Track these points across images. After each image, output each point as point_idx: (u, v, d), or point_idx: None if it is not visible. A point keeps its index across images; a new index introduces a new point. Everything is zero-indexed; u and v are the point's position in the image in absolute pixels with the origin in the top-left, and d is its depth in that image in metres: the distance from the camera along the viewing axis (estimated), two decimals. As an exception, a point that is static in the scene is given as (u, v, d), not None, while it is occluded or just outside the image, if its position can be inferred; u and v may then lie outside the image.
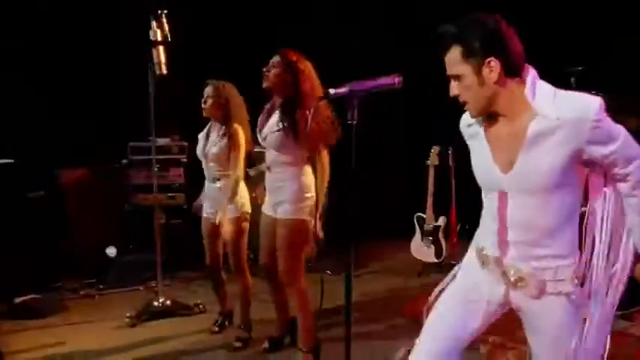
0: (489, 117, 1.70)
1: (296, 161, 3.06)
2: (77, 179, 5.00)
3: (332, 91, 1.35)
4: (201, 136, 3.69)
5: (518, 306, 1.80)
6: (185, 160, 5.06)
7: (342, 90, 1.36)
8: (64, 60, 5.00)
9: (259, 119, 3.20)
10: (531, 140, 1.59)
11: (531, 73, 1.65)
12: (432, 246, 5.02)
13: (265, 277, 3.39)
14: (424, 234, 5.07)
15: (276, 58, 3.05)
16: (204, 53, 5.19)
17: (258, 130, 3.18)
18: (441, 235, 5.01)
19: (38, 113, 4.87)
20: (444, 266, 4.96)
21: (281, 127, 2.98)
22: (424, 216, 5.06)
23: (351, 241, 1.66)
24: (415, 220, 5.13)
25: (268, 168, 3.11)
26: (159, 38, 3.16)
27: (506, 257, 1.74)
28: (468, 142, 1.85)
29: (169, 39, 3.18)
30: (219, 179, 3.56)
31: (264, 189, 3.30)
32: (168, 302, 4.17)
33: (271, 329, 3.59)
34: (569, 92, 1.61)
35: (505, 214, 1.69)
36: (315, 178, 3.06)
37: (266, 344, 3.46)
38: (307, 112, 2.89)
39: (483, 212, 1.85)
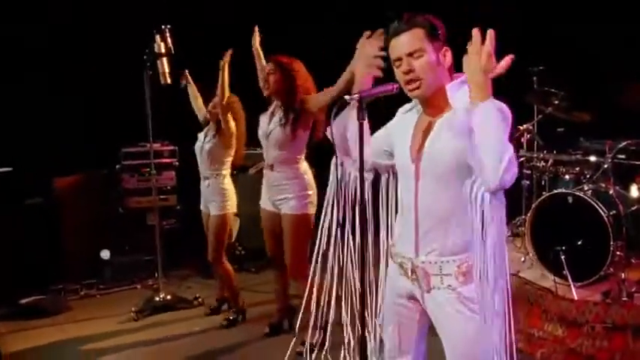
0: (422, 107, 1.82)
1: (298, 159, 3.37)
2: (72, 185, 5.18)
3: (347, 97, 1.68)
4: (200, 135, 4.01)
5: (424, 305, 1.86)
6: (176, 163, 5.30)
7: (354, 96, 1.69)
8: (59, 69, 5.15)
9: (261, 120, 3.49)
10: (436, 130, 1.74)
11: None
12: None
13: (271, 265, 3.76)
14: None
15: (270, 65, 3.36)
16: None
17: (261, 129, 3.46)
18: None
19: (34, 122, 5.01)
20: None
21: (282, 123, 3.28)
22: None
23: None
24: None
25: (271, 166, 3.40)
26: (162, 51, 3.44)
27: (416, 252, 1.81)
28: (394, 126, 1.96)
29: (173, 51, 3.47)
30: (208, 177, 3.93)
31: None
32: (168, 297, 4.42)
33: (264, 313, 3.96)
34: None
35: (416, 204, 1.79)
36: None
37: (266, 329, 3.76)
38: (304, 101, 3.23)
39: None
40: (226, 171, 3.95)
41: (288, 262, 3.42)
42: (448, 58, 1.79)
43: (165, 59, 3.44)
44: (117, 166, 5.23)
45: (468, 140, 1.60)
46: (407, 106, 1.95)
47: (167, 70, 3.48)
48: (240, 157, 4.01)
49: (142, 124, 4.23)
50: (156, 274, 4.56)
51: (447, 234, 1.76)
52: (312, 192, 3.39)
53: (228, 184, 3.93)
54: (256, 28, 3.61)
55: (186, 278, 5.15)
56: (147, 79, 3.79)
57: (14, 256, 4.56)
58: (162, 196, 5.19)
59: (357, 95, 1.69)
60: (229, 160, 3.94)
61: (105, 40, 5.15)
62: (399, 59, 1.76)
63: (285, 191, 3.36)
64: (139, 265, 5.17)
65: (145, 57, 3.80)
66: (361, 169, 1.76)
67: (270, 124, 3.39)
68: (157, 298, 4.38)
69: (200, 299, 4.48)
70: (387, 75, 1.87)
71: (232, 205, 3.94)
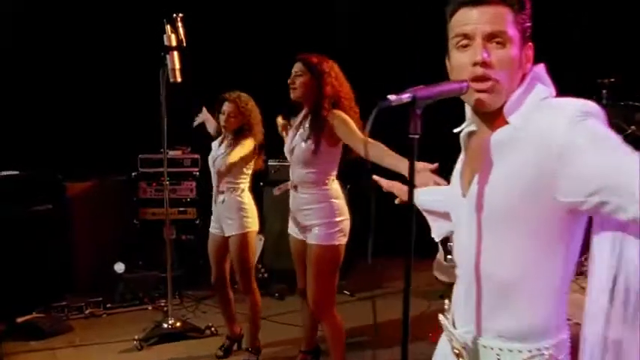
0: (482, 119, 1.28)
1: (324, 179, 2.83)
2: (85, 192, 4.81)
3: (392, 97, 1.10)
4: (214, 144, 3.55)
5: None
6: (197, 173, 4.87)
7: (405, 96, 1.12)
8: (70, 66, 4.81)
9: (289, 134, 2.98)
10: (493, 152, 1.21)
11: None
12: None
13: (301, 306, 3.21)
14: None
15: (298, 66, 2.84)
16: (215, 58, 4.99)
17: (286, 145, 2.96)
18: (465, 254, 4.74)
19: (44, 122, 4.69)
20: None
21: (306, 136, 2.75)
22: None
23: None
24: None
25: (295, 187, 2.88)
26: (173, 43, 2.95)
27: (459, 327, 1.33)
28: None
29: (185, 44, 2.97)
30: (223, 192, 3.40)
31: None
32: (178, 324, 3.95)
33: (282, 353, 3.38)
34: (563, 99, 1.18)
35: (471, 260, 1.27)
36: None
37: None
38: (333, 112, 2.70)
39: None
40: (245, 184, 3.44)
41: (312, 299, 2.88)
42: (531, 55, 1.24)
43: (175, 53, 2.94)
44: (133, 174, 4.83)
45: (556, 163, 1.09)
46: (463, 125, 1.38)
47: (177, 65, 2.97)
48: (259, 163, 3.51)
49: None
50: (166, 295, 4.09)
51: (515, 308, 1.23)
52: (343, 219, 2.84)
53: (247, 198, 3.43)
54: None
55: (203, 299, 4.66)
56: (163, 78, 3.32)
57: (17, 267, 4.16)
58: (180, 209, 4.80)
59: (408, 96, 1.13)
60: (249, 172, 3.43)
61: (120, 35, 4.79)
62: (469, 37, 1.20)
63: (310, 217, 2.82)
64: (152, 282, 4.71)
65: (162, 53, 3.32)
66: (410, 197, 1.20)
67: (295, 138, 2.87)
68: (165, 325, 3.91)
69: (213, 328, 3.98)
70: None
71: (254, 222, 3.42)
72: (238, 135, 3.35)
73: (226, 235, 3.39)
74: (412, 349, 3.77)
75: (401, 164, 2.31)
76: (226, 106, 3.36)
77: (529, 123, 1.17)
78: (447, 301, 1.51)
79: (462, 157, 1.39)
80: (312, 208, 2.81)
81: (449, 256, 4.79)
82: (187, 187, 4.83)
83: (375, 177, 1.91)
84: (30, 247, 4.26)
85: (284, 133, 3.07)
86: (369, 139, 2.46)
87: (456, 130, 1.43)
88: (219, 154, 3.39)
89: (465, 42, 1.21)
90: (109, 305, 4.43)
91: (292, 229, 3.00)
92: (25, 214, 4.32)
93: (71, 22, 4.79)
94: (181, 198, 4.81)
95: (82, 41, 4.81)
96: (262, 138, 3.41)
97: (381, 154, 2.39)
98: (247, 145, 3.29)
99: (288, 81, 2.84)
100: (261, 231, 3.88)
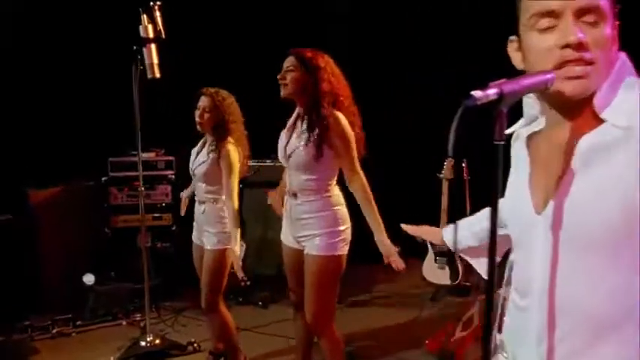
0: (555, 119, 1.07)
1: (326, 185, 2.59)
2: (49, 200, 4.46)
3: (477, 94, 0.85)
4: (194, 150, 3.25)
5: None
6: (173, 176, 4.58)
7: (491, 92, 0.88)
8: (30, 60, 4.45)
9: (282, 136, 2.72)
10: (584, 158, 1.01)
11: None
12: (447, 267, 4.57)
13: (294, 318, 2.93)
14: (438, 254, 4.61)
15: (290, 60, 2.58)
16: (194, 51, 4.68)
17: (281, 148, 2.69)
18: (456, 255, 4.56)
19: (3, 125, 4.33)
20: (460, 289, 4.56)
21: (305, 140, 2.50)
22: None
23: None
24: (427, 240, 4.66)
25: (294, 195, 2.62)
26: (151, 35, 2.63)
27: None
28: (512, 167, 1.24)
29: (163, 36, 2.66)
30: (204, 202, 3.10)
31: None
32: (157, 341, 3.65)
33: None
34: None
35: (546, 291, 1.06)
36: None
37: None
38: (334, 117, 2.47)
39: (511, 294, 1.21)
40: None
41: (310, 312, 2.64)
42: (616, 39, 1.02)
43: (153, 46, 2.63)
44: (103, 179, 4.51)
45: None
46: (516, 125, 1.17)
47: (156, 60, 2.66)
48: (244, 169, 3.22)
49: (135, 130, 3.51)
50: (143, 309, 3.77)
51: (611, 351, 1.00)
52: (345, 227, 2.61)
53: (236, 207, 3.12)
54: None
55: (182, 311, 4.35)
56: (135, 75, 3.00)
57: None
58: (155, 215, 4.51)
59: (495, 92, 0.88)
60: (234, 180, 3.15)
61: (87, 26, 4.45)
62: (555, 15, 0.98)
63: (311, 227, 2.57)
64: (126, 294, 4.39)
65: (135, 47, 3.00)
66: (494, 219, 0.96)
67: (290, 141, 2.60)
68: (143, 343, 3.60)
69: (196, 344, 3.69)
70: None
71: (238, 237, 3.10)
72: (218, 138, 3.05)
73: (205, 247, 3.11)
74: (407, 358, 3.58)
75: (374, 223, 2.50)
76: (201, 101, 3.07)
77: (634, 120, 0.94)
78: (497, 335, 1.28)
79: (523, 164, 1.16)
80: (313, 217, 2.56)
81: (438, 257, 4.62)
82: (162, 192, 4.54)
83: (403, 226, 1.87)
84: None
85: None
86: (362, 178, 2.51)
87: (510, 131, 1.19)
88: (201, 162, 3.09)
89: (548, 21, 0.98)
90: (78, 322, 4.08)
91: (286, 238, 2.74)
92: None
93: (32, 13, 4.44)
94: (156, 203, 4.52)
95: (44, 31, 4.47)
96: (246, 143, 3.14)
97: (362, 201, 2.50)
98: (233, 157, 3.01)
99: (278, 77, 2.58)
100: (241, 237, 3.61)
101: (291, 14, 4.96)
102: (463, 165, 4.64)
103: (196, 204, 3.17)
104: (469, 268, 4.60)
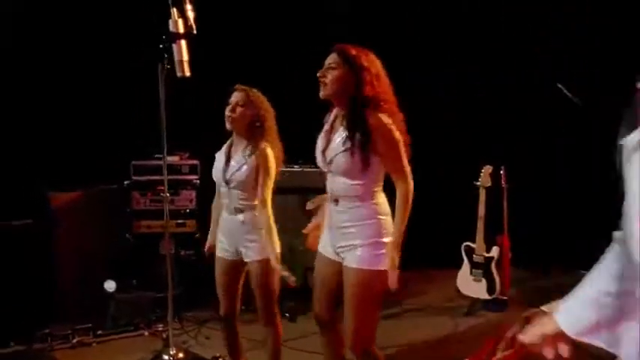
0: None
1: (371, 191, 2.39)
2: (70, 204, 4.31)
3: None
4: (219, 155, 3.00)
5: None
6: (197, 181, 4.39)
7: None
8: (52, 60, 4.30)
9: (320, 138, 2.52)
10: None
11: None
12: (483, 280, 4.36)
13: (321, 334, 2.72)
14: (473, 266, 4.41)
15: (332, 57, 2.38)
16: (221, 50, 4.52)
17: (319, 152, 2.49)
18: (493, 267, 4.34)
19: (23, 124, 4.19)
20: (496, 303, 4.33)
21: (348, 145, 2.30)
22: (473, 245, 4.42)
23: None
24: (463, 250, 4.47)
25: (336, 201, 2.41)
26: (181, 30, 2.45)
27: None
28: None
29: (195, 31, 2.47)
30: (242, 211, 2.87)
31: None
32: (180, 354, 3.44)
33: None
34: None
35: None
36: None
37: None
38: (379, 120, 2.29)
39: None
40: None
41: (351, 332, 2.43)
42: None
43: (183, 42, 2.44)
44: (126, 183, 4.33)
45: None
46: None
47: (186, 57, 2.47)
48: (277, 169, 2.95)
49: (159, 132, 3.33)
50: (166, 319, 3.59)
51: None
52: (389, 240, 2.39)
53: (271, 214, 2.90)
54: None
55: (205, 322, 4.17)
56: (161, 74, 2.82)
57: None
58: (179, 221, 4.34)
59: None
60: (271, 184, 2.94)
61: (109, 25, 4.31)
62: None
63: (353, 236, 2.37)
64: (148, 303, 4.21)
65: (161, 45, 2.80)
66: None
67: (330, 145, 2.41)
68: (166, 356, 3.40)
69: (221, 359, 3.49)
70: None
71: (277, 243, 2.89)
72: (252, 138, 2.84)
73: (246, 260, 2.90)
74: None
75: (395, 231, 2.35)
76: (234, 96, 2.86)
77: None
78: None
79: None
80: (356, 226, 2.36)
81: (475, 269, 4.40)
82: (186, 197, 4.35)
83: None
84: (7, 268, 3.79)
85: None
86: (408, 184, 2.32)
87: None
88: (238, 168, 2.84)
89: None
90: (99, 332, 3.91)
91: (325, 248, 2.54)
92: (1, 230, 3.84)
93: (54, 14, 4.31)
94: (180, 209, 4.33)
95: (67, 28, 4.32)
96: (280, 146, 2.92)
97: (397, 207, 2.35)
98: (270, 159, 2.80)
99: (318, 74, 2.39)
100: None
101: (291, 14, 4.83)
102: (501, 172, 4.43)
103: (226, 214, 2.92)
104: (506, 282, 4.40)
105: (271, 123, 2.88)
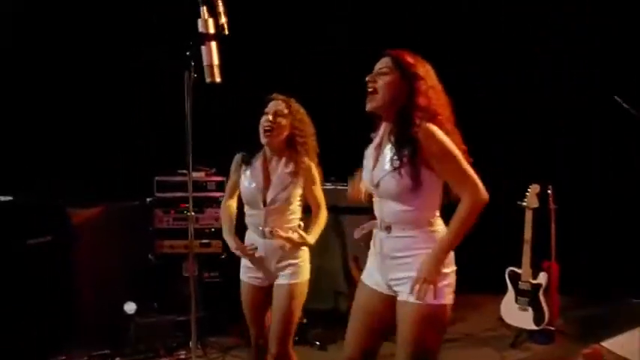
0: None
1: (429, 216, 2.11)
2: (90, 220, 4.12)
3: None
4: (253, 173, 2.72)
5: None
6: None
7: None
8: (74, 69, 4.19)
9: (367, 157, 2.24)
10: None
11: None
12: (530, 309, 4.02)
13: None
14: (519, 293, 4.07)
15: (385, 61, 2.12)
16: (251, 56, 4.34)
17: (368, 171, 2.21)
18: (541, 296, 4.00)
19: (43, 137, 4.09)
20: (544, 334, 3.99)
21: (397, 164, 2.02)
22: (519, 271, 4.08)
23: None
24: (507, 276, 4.14)
25: (388, 228, 2.14)
26: (211, 30, 2.20)
27: None
28: None
29: (226, 31, 2.22)
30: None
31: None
32: (204, 386, 3.20)
33: None
34: None
35: None
36: None
37: None
38: (427, 128, 2.00)
39: None
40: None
41: None
42: None
43: (214, 44, 2.19)
44: (148, 200, 4.12)
45: None
46: None
47: (216, 60, 2.22)
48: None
49: (184, 146, 3.13)
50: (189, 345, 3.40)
51: None
52: (452, 270, 2.11)
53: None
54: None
55: (230, 350, 3.93)
56: (189, 80, 2.57)
57: (7, 313, 3.48)
58: (203, 241, 4.10)
59: None
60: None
61: (131, 29, 4.17)
62: None
63: (408, 267, 2.08)
64: (169, 328, 3.98)
65: (190, 48, 2.56)
66: None
67: (377, 166, 2.13)
68: (188, 387, 3.15)
69: (247, 391, 3.23)
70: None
71: (308, 267, 2.73)
72: (292, 153, 2.61)
73: (278, 283, 2.66)
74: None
75: (443, 245, 2.04)
76: (273, 105, 2.62)
77: None
78: None
79: None
80: (414, 255, 2.07)
81: (520, 297, 4.07)
82: (211, 216, 4.11)
83: None
84: (24, 288, 3.60)
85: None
86: (476, 194, 2.01)
87: None
88: (282, 187, 2.61)
89: None
90: (118, 359, 3.68)
91: (371, 278, 2.24)
92: (18, 247, 3.65)
93: (74, 17, 4.19)
94: (204, 228, 4.10)
95: (87, 36, 4.23)
96: (318, 163, 2.70)
97: (456, 218, 2.02)
98: (314, 169, 2.63)
99: (367, 78, 2.11)
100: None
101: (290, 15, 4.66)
102: (549, 192, 4.11)
103: (258, 238, 2.68)
104: (555, 311, 4.06)
105: (312, 138, 2.66)
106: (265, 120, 2.59)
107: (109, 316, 3.95)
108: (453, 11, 4.77)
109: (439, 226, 2.12)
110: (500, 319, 4.19)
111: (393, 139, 2.07)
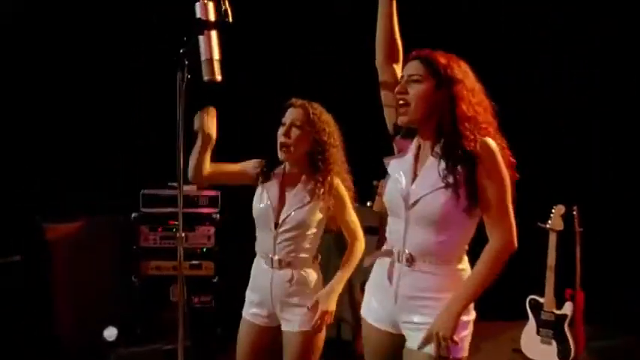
0: None
1: (461, 251, 1.82)
2: (69, 237, 3.82)
3: None
4: (264, 188, 2.33)
5: None
6: (217, 215, 3.84)
7: None
8: (50, 68, 3.92)
9: (398, 173, 1.88)
10: None
11: None
12: (554, 342, 3.69)
13: None
14: (541, 324, 3.74)
15: (414, 66, 1.79)
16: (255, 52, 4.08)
17: (397, 189, 1.85)
18: (566, 327, 3.66)
19: (15, 143, 3.81)
20: (569, 370, 3.66)
21: (450, 180, 1.69)
22: (541, 300, 3.75)
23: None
24: (528, 305, 3.81)
25: (410, 260, 1.78)
26: (211, 17, 1.81)
27: None
28: None
29: (230, 18, 1.83)
30: (292, 265, 2.24)
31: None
32: None
33: None
34: None
35: None
36: None
37: None
38: (486, 144, 1.71)
39: None
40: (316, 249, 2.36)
41: None
42: None
43: (214, 34, 1.80)
44: (133, 215, 3.81)
45: None
46: None
47: (217, 54, 1.82)
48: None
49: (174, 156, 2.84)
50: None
51: None
52: (473, 317, 1.83)
53: (318, 272, 2.34)
54: None
55: (220, 384, 3.60)
56: (181, 84, 2.20)
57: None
58: (193, 262, 3.79)
59: None
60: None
61: (115, 26, 3.93)
62: None
63: (428, 312, 1.76)
64: (153, 357, 3.66)
65: (181, 49, 2.20)
66: None
67: (419, 181, 1.80)
68: None
69: None
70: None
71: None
72: (315, 169, 2.24)
73: (285, 329, 2.27)
74: None
75: (466, 292, 1.74)
76: (289, 114, 2.24)
77: None
78: None
79: None
80: (436, 299, 1.75)
81: (543, 329, 3.73)
82: (203, 234, 3.79)
83: None
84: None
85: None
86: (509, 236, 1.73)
87: None
88: (297, 207, 2.23)
89: None
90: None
91: (376, 316, 1.91)
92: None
93: (55, 23, 3.95)
94: (195, 248, 3.77)
95: (67, 33, 3.96)
96: (348, 177, 2.33)
97: (483, 262, 1.74)
98: (346, 196, 2.27)
99: (397, 89, 1.79)
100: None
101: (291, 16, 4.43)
102: (574, 213, 3.79)
103: (265, 266, 2.28)
104: (580, 344, 3.73)
105: (337, 149, 2.28)
106: (281, 133, 2.23)
107: (88, 342, 3.69)
108: (453, 11, 4.64)
109: (466, 263, 1.82)
110: (519, 350, 3.86)
111: (440, 152, 1.76)
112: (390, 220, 1.90)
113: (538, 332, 3.75)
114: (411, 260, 1.78)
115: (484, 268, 1.71)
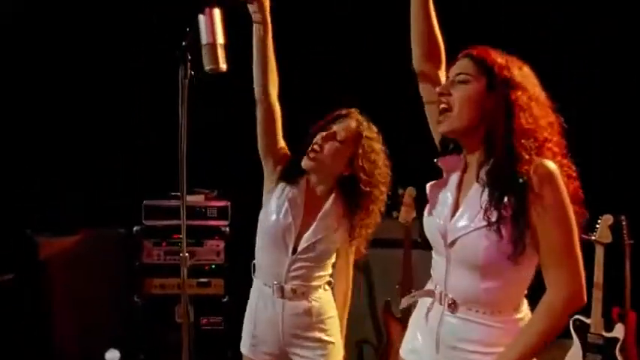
0: None
1: (517, 298, 1.51)
2: (66, 253, 3.67)
3: None
4: (279, 196, 2.02)
5: None
6: (227, 229, 3.60)
7: None
8: (47, 70, 3.80)
9: (432, 193, 1.59)
10: None
11: None
12: (602, 367, 3.38)
13: None
14: (588, 348, 3.45)
15: (464, 65, 1.50)
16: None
17: (432, 225, 1.55)
18: (617, 352, 3.37)
19: (7, 152, 3.66)
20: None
21: (493, 218, 1.37)
22: (587, 321, 3.46)
23: None
24: (572, 327, 3.50)
25: (452, 305, 1.48)
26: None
27: None
28: None
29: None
30: (306, 295, 1.97)
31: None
32: None
33: None
34: None
35: None
36: None
37: None
38: (545, 168, 1.38)
39: None
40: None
41: None
42: None
43: (217, 13, 1.48)
44: (135, 229, 3.61)
45: None
46: None
47: (221, 38, 1.50)
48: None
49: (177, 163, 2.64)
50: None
51: None
52: None
53: (332, 300, 2.10)
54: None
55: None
56: (183, 80, 1.93)
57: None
58: (201, 280, 3.57)
59: None
60: None
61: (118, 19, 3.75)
62: None
63: None
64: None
65: (183, 41, 1.93)
66: None
67: (460, 215, 1.48)
68: None
69: None
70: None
71: (341, 340, 2.12)
72: (349, 197, 1.96)
73: None
74: None
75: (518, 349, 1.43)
76: (339, 123, 1.94)
77: None
78: None
79: None
80: (485, 353, 1.44)
81: (590, 353, 3.43)
82: (212, 249, 3.58)
83: None
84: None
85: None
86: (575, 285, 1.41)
87: None
88: (319, 235, 1.95)
89: None
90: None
91: (415, 356, 1.60)
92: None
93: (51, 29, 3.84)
94: (203, 264, 3.55)
95: (67, 33, 3.84)
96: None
97: (539, 316, 1.43)
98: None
99: (439, 89, 1.50)
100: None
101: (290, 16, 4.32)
102: (623, 224, 3.50)
103: (276, 297, 1.99)
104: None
105: (381, 191, 1.97)
106: (317, 140, 1.94)
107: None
108: (453, 11, 4.54)
109: (525, 311, 1.50)
110: (562, 376, 3.56)
111: (485, 178, 1.43)
112: (432, 253, 1.60)
113: (584, 357, 3.47)
114: (453, 306, 1.47)
115: (541, 324, 1.39)
